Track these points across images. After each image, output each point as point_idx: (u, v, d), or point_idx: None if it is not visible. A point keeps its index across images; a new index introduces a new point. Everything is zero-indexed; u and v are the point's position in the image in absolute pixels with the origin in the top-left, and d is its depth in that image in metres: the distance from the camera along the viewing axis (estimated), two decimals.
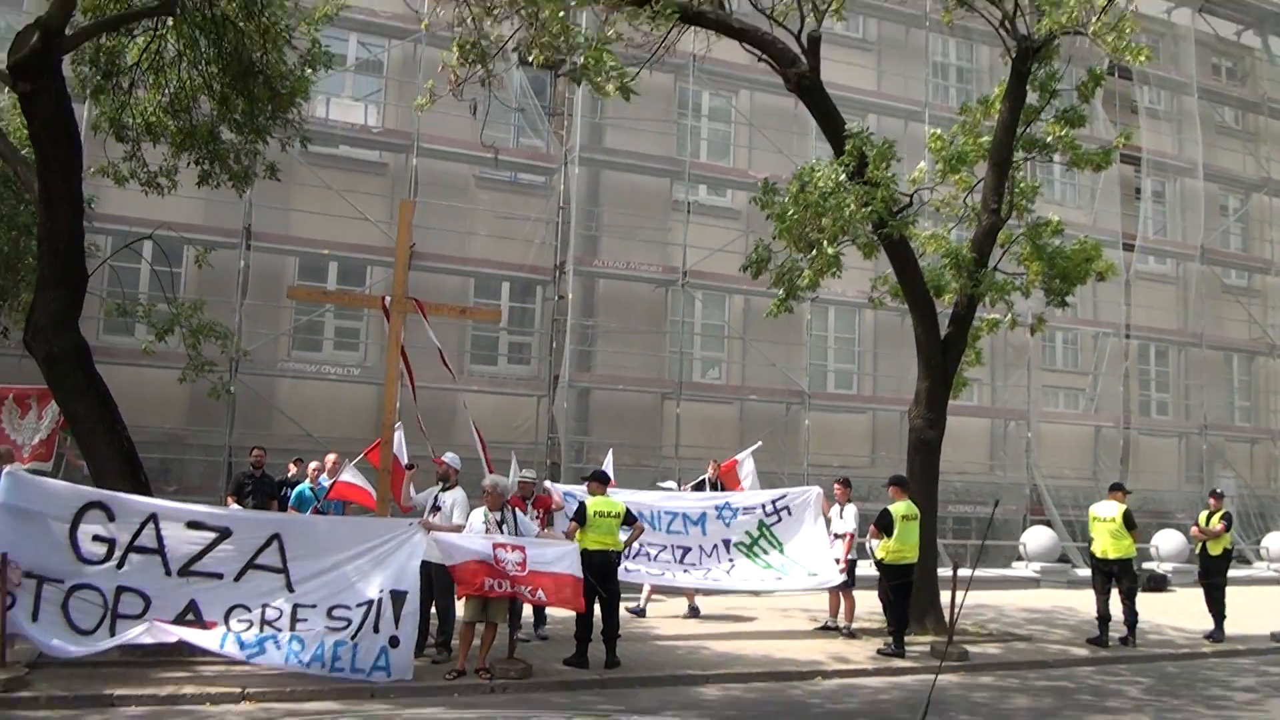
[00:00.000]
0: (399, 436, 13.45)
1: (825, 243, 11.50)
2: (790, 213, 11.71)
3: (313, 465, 13.98)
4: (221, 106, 12.32)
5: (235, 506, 13.46)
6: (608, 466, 15.84)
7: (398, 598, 10.00)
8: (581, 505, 11.45)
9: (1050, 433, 24.32)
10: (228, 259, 19.17)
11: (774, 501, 14.14)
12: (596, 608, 11.19)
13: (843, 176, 11.62)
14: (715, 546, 13.79)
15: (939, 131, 13.40)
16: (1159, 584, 19.15)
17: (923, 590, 13.25)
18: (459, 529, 10.83)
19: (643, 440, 21.31)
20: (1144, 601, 17.29)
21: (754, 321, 22.56)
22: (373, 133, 20.20)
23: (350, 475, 12.85)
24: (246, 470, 14.34)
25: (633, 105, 21.63)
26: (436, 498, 11.35)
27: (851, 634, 13.32)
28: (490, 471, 12.05)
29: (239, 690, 9.36)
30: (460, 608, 10.74)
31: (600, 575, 11.06)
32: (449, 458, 11.69)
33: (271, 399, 19.42)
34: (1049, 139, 13.03)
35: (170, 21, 11.73)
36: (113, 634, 9.27)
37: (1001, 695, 10.85)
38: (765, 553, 13.86)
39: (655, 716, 8.76)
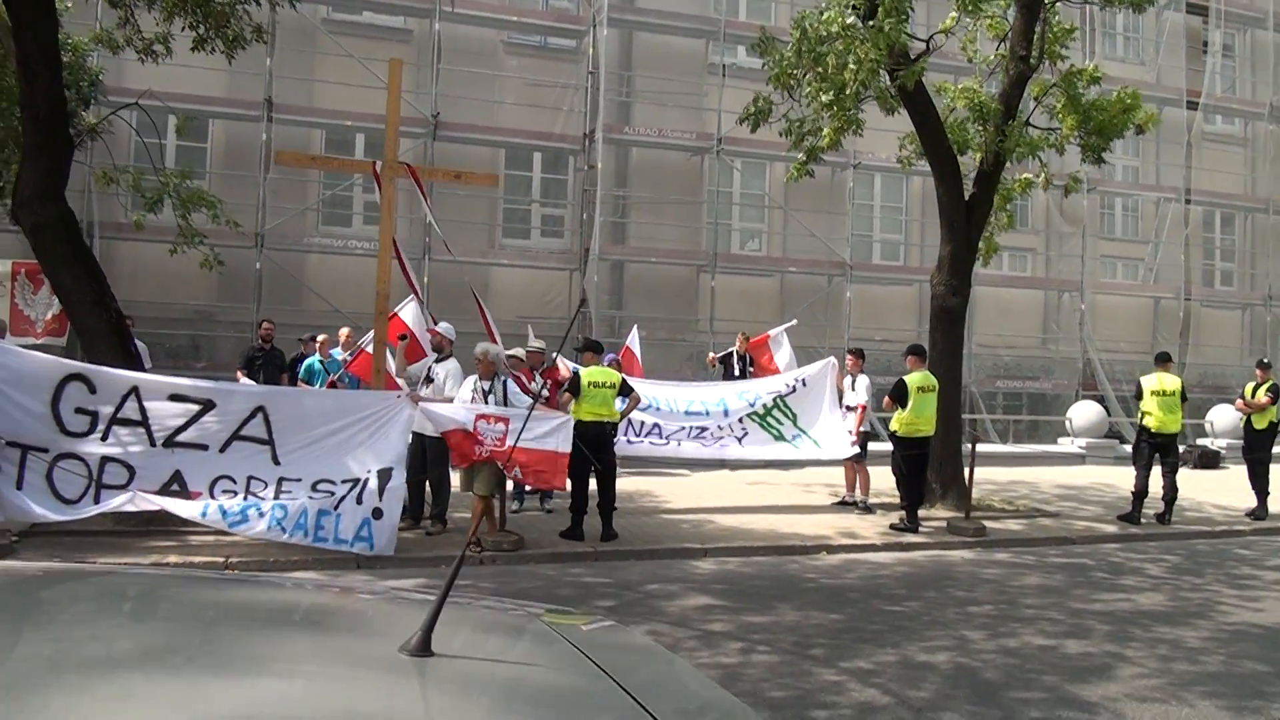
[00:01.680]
0: (414, 307, 13.19)
1: (820, 92, 10.68)
2: (785, 58, 10.89)
3: (321, 338, 13.84)
4: None
5: (245, 381, 13.40)
6: (633, 342, 15.54)
7: (384, 473, 9.81)
8: (575, 375, 11.12)
9: (1106, 304, 23.31)
10: (251, 132, 18.93)
11: (788, 382, 13.67)
12: (593, 480, 11.00)
13: (851, 19, 10.72)
14: (730, 423, 13.41)
15: None
16: (1211, 461, 18.38)
17: (945, 464, 12.77)
18: (450, 400, 10.58)
19: (679, 314, 20.93)
20: (1195, 478, 16.73)
21: (795, 190, 21.67)
22: None
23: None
24: (256, 344, 14.28)
25: None
26: (430, 369, 11.10)
27: (867, 508, 12.94)
28: (493, 340, 11.74)
29: (222, 560, 9.34)
30: (455, 480, 10.56)
31: (595, 446, 10.78)
32: (443, 328, 11.39)
33: (300, 275, 19.33)
34: None
35: None
36: (97, 502, 9.23)
37: (1012, 572, 10.41)
38: (779, 423, 13.46)
39: (634, 623, 8.49)
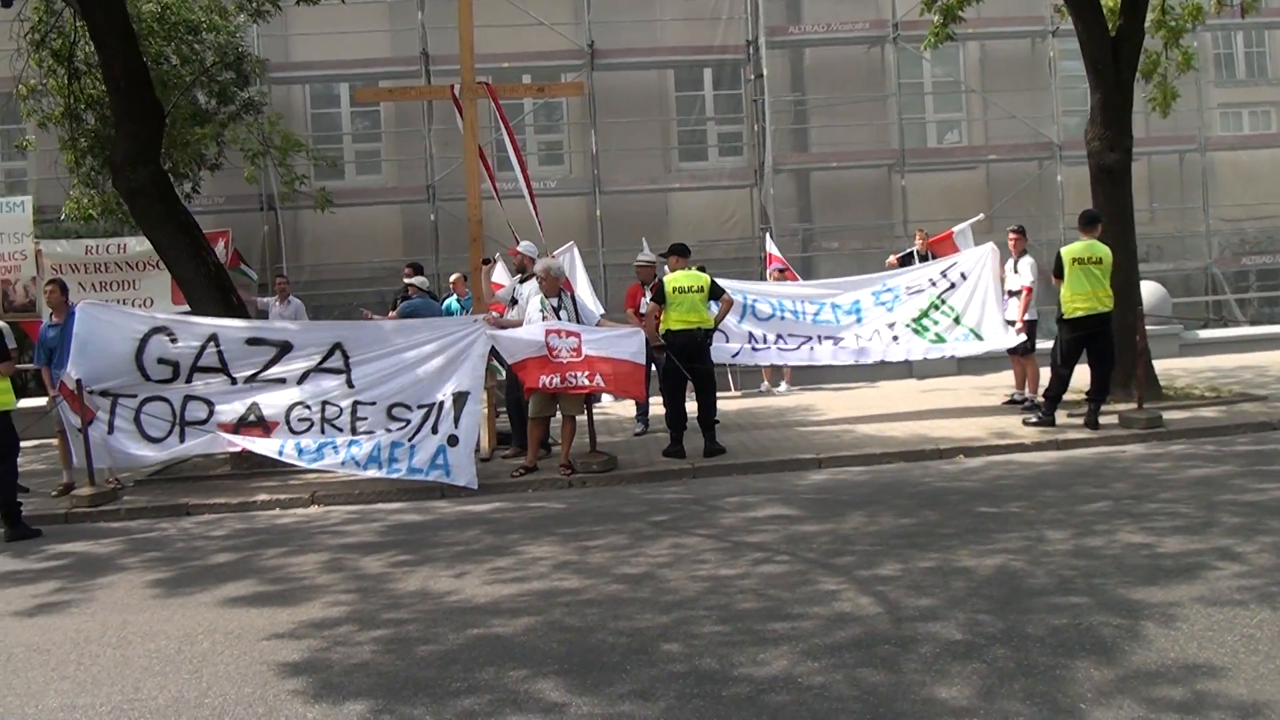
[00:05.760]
0: (574, 253, 13.03)
1: None
2: None
3: (454, 276, 13.82)
4: None
5: None
6: (768, 247, 14.72)
7: (460, 398, 9.54)
8: (660, 283, 10.35)
9: None
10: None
11: (944, 271, 12.19)
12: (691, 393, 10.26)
13: None
14: (875, 332, 12.14)
15: None
16: None
17: (1124, 351, 10.96)
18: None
19: (873, 219, 19.48)
20: None
21: (993, 70, 19.75)
22: None
23: (500, 275, 12.66)
24: (400, 289, 14.42)
25: None
26: (515, 290, 10.71)
27: (1034, 406, 11.36)
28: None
29: (308, 496, 9.38)
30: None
31: (686, 355, 10.04)
32: (524, 247, 10.99)
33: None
34: None
35: None
36: (182, 440, 9.53)
37: (1175, 464, 8.75)
38: (936, 324, 12.05)
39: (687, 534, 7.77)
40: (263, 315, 14.53)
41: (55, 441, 10.01)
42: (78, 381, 9.34)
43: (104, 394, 9.51)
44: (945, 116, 20.52)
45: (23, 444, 10.49)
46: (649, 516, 7.97)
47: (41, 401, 10.93)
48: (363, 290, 19.13)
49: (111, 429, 9.51)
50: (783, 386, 14.83)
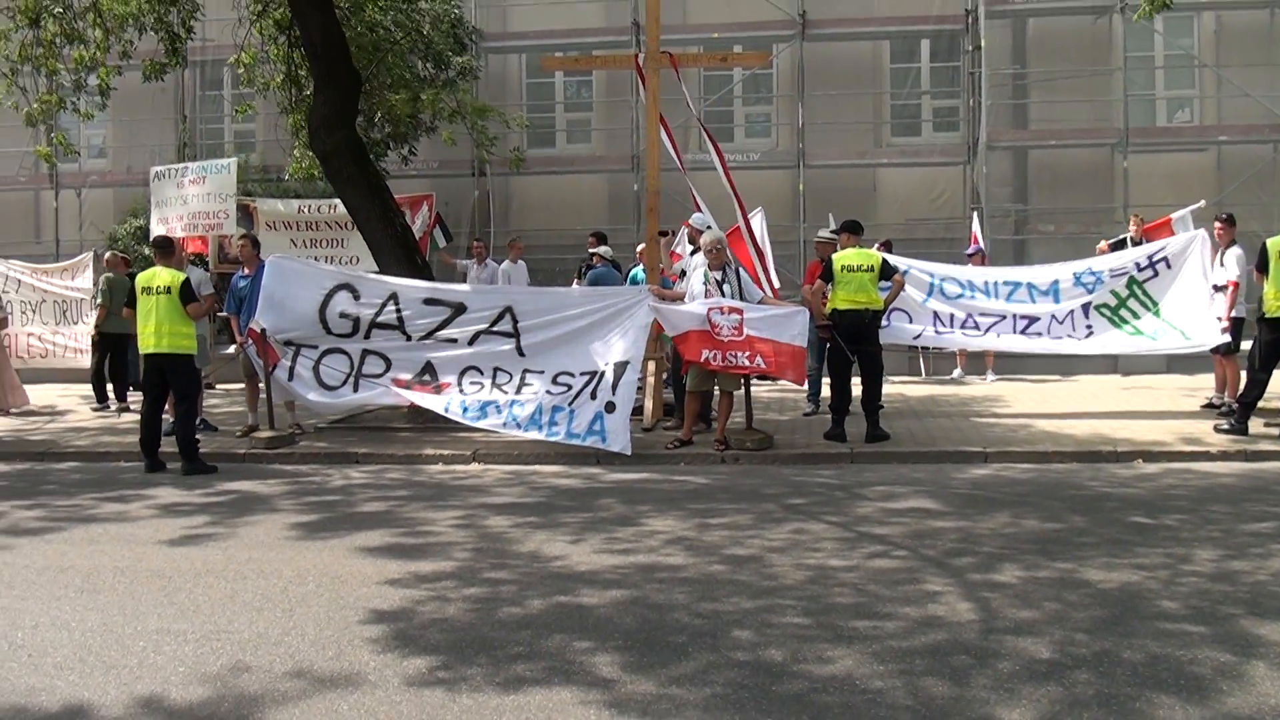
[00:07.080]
0: (761, 219, 12.95)
1: None
2: None
3: (640, 246, 13.93)
4: None
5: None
6: (973, 226, 14.13)
7: (620, 367, 9.73)
8: (828, 261, 10.12)
9: None
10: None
11: (1150, 257, 11.39)
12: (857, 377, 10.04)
13: None
14: (1070, 313, 11.49)
15: None
16: None
17: None
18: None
19: (1093, 202, 18.34)
20: None
21: (1228, 43, 18.12)
22: None
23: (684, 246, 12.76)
24: (586, 257, 14.70)
25: None
26: (686, 261, 10.74)
27: (1232, 411, 10.47)
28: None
29: (469, 453, 9.77)
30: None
31: (851, 336, 9.83)
32: (695, 219, 10.97)
33: (679, 193, 19.54)
34: None
35: None
36: (356, 390, 10.15)
37: None
38: (1136, 316, 11.30)
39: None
40: (462, 277, 15.16)
41: (244, 386, 10.81)
42: (263, 330, 10.06)
43: (288, 343, 10.22)
44: (1176, 93, 18.97)
45: (223, 387, 11.37)
46: (786, 499, 7.88)
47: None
48: (565, 256, 19.54)
49: (291, 375, 10.20)
50: (990, 376, 14.29)
